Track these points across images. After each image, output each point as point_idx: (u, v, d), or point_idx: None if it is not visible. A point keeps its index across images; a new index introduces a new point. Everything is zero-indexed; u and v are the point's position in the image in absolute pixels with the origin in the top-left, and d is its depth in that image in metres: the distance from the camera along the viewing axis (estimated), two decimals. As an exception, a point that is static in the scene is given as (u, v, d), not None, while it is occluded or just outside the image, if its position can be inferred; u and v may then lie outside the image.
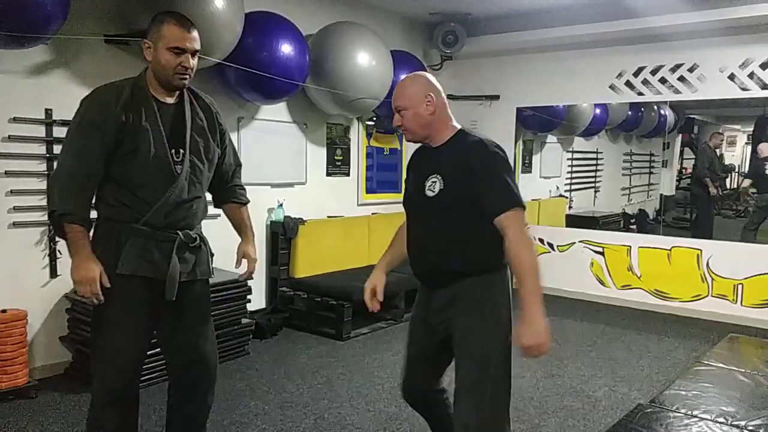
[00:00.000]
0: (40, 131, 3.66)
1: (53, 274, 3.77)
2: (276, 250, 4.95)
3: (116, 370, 2.24)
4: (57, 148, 3.69)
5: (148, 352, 2.42)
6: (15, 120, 3.55)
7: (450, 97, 6.46)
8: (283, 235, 4.91)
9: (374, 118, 5.80)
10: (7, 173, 3.54)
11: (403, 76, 5.31)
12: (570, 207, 8.59)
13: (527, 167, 7.95)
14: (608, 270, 6.14)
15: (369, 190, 5.82)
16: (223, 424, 3.20)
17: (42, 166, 3.68)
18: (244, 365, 4.05)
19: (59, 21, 3.27)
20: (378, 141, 5.95)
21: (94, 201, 2.22)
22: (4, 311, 3.46)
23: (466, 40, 5.92)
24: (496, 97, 6.50)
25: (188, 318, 2.34)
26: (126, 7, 3.74)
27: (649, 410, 3.46)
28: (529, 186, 7.73)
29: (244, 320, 4.23)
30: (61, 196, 2.11)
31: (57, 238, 3.73)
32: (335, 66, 4.66)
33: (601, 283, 6.17)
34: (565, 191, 8.62)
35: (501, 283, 2.15)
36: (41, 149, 3.67)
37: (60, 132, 3.70)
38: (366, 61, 4.71)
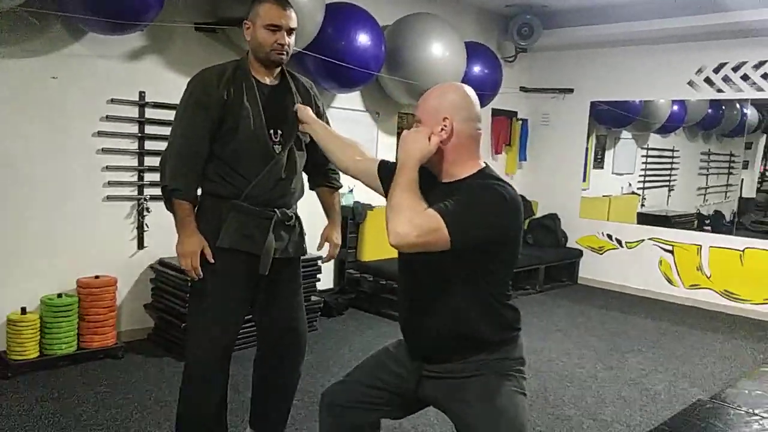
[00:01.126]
0: (134, 112, 3.93)
1: (140, 245, 4.06)
2: (345, 234, 5.12)
3: (213, 342, 2.30)
4: (149, 129, 3.97)
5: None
6: (112, 101, 3.83)
7: (522, 89, 6.59)
8: (352, 219, 5.06)
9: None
10: (104, 150, 3.83)
11: (476, 68, 5.37)
12: (642, 205, 8.38)
13: (599, 163, 7.79)
14: (677, 269, 6.04)
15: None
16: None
17: (134, 145, 3.96)
18: (312, 340, 4.16)
19: (155, 10, 3.51)
20: (447, 131, 5.99)
21: None
22: (97, 277, 3.76)
23: (542, 33, 5.88)
24: (570, 91, 6.45)
25: (283, 293, 2.44)
26: (215, -3, 3.97)
27: (708, 406, 3.40)
28: (600, 182, 7.61)
29: (314, 298, 4.43)
30: (172, 174, 2.23)
31: (144, 213, 4.01)
32: (409, 56, 4.75)
33: (669, 281, 6.07)
34: (638, 188, 8.41)
35: (515, 352, 1.81)
36: (134, 129, 3.94)
37: (152, 113, 3.98)
38: (439, 52, 4.77)
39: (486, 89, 5.42)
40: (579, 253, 6.62)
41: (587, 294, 6.20)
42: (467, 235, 1.61)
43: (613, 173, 8.06)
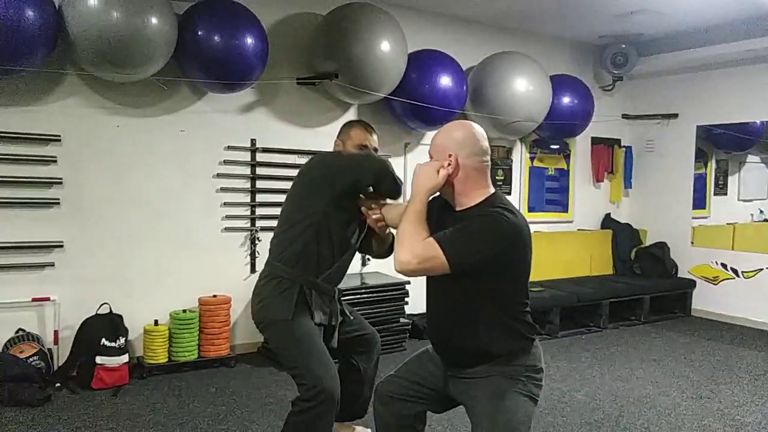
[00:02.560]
0: (247, 156, 4.61)
1: (253, 269, 4.69)
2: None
3: (332, 375, 2.51)
4: (259, 170, 4.63)
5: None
6: (229, 148, 4.54)
7: (624, 116, 6.56)
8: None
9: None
10: (222, 189, 4.53)
11: (565, 99, 5.50)
12: (783, 234, 7.74)
13: (721, 189, 7.40)
14: (802, 301, 5.59)
15: (531, 209, 6.01)
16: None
17: (247, 184, 4.62)
18: (398, 359, 4.45)
19: (260, 69, 4.17)
20: (542, 161, 6.14)
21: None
22: (214, 296, 4.43)
23: (637, 60, 5.88)
24: (674, 116, 6.29)
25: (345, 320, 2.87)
26: (312, 54, 4.59)
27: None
28: (723, 209, 7.22)
29: (402, 320, 4.78)
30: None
31: (256, 242, 4.64)
32: (493, 93, 5.04)
33: (792, 314, 5.62)
34: (775, 215, 7.81)
35: (527, 360, 2.03)
36: (246, 170, 4.62)
37: (261, 157, 4.64)
38: (523, 87, 5.02)
39: (577, 119, 5.54)
40: (691, 284, 6.31)
41: (699, 326, 5.90)
42: (463, 259, 1.85)
43: (739, 200, 7.60)
